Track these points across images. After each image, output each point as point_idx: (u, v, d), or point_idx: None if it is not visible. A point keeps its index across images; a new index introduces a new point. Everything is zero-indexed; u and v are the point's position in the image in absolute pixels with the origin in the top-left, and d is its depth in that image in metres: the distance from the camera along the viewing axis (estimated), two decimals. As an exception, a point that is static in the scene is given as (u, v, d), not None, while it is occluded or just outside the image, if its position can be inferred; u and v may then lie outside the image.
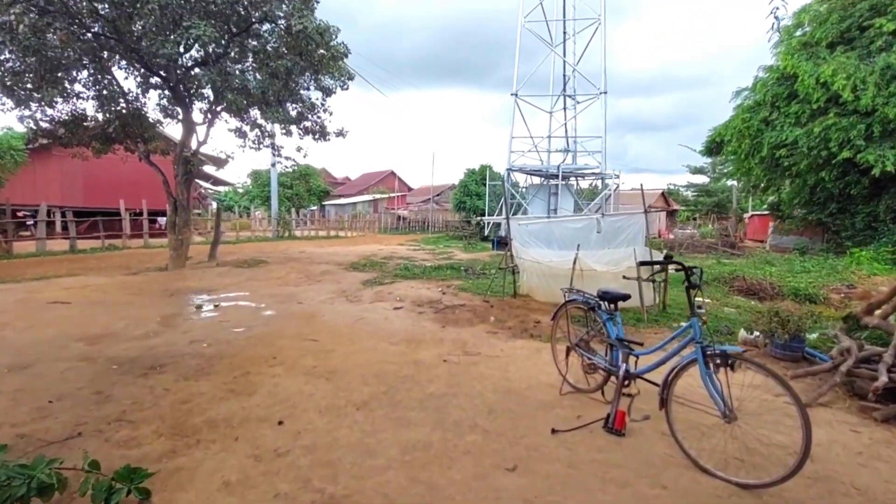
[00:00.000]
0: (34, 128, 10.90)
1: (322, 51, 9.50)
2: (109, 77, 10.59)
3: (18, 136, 14.50)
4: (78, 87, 11.13)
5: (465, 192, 27.57)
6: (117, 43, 8.93)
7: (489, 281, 9.87)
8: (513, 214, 19.08)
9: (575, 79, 19.22)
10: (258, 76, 9.59)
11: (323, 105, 13.13)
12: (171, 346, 5.11)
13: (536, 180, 20.27)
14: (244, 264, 11.84)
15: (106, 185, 19.41)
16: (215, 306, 7.20)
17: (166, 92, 11.09)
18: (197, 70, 8.63)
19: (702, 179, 47.40)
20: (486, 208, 20.24)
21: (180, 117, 11.06)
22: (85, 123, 11.70)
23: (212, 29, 7.81)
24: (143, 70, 10.19)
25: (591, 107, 19.74)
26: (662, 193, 42.69)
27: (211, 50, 8.42)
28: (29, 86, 10.12)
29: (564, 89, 19.57)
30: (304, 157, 14.27)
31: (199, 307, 7.06)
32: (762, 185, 20.16)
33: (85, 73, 10.90)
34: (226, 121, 13.12)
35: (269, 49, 9.81)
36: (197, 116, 11.52)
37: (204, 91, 10.81)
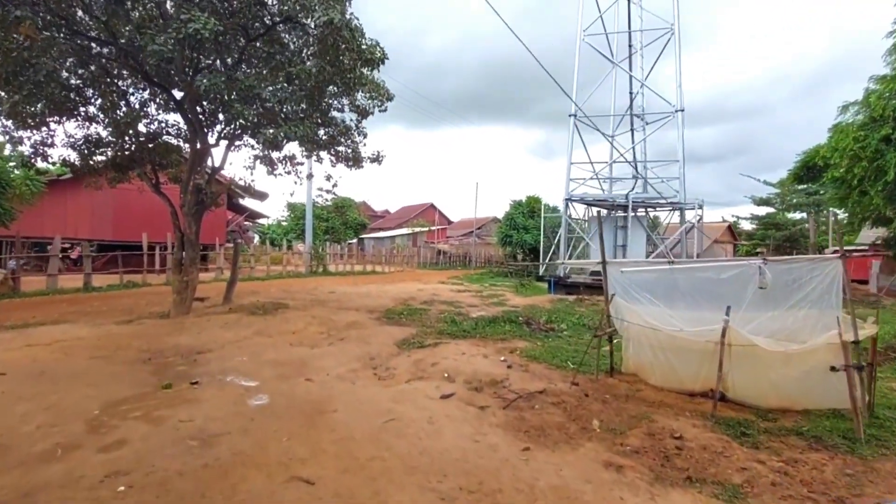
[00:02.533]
0: (35, 153, 9.63)
1: (353, 55, 7.67)
2: (115, 90, 9.23)
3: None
4: (92, 110, 9.99)
5: (512, 226, 25.27)
6: (111, 46, 7.48)
7: (564, 343, 7.38)
8: (571, 251, 16.52)
9: (643, 96, 16.86)
10: (272, 86, 7.83)
11: (358, 127, 11.42)
12: (66, 485, 2.98)
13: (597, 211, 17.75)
14: (259, 310, 9.91)
15: (134, 218, 18.56)
16: (191, 384, 5.11)
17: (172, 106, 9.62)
18: (199, 77, 6.97)
19: (765, 211, 42.92)
20: (541, 244, 17.84)
21: (187, 136, 9.53)
22: (100, 150, 10.51)
23: (214, 21, 6.11)
24: (144, 82, 8.77)
25: (656, 131, 17.24)
26: (729, 227, 38.72)
27: (212, 47, 6.73)
28: (34, 109, 8.93)
29: (631, 108, 17.19)
30: (334, 185, 12.56)
31: (166, 387, 4.99)
32: (875, 216, 16.69)
33: (97, 96, 9.69)
34: (251, 146, 11.70)
35: (290, 52, 8.10)
36: (212, 139, 9.97)
37: (208, 105, 9.27)
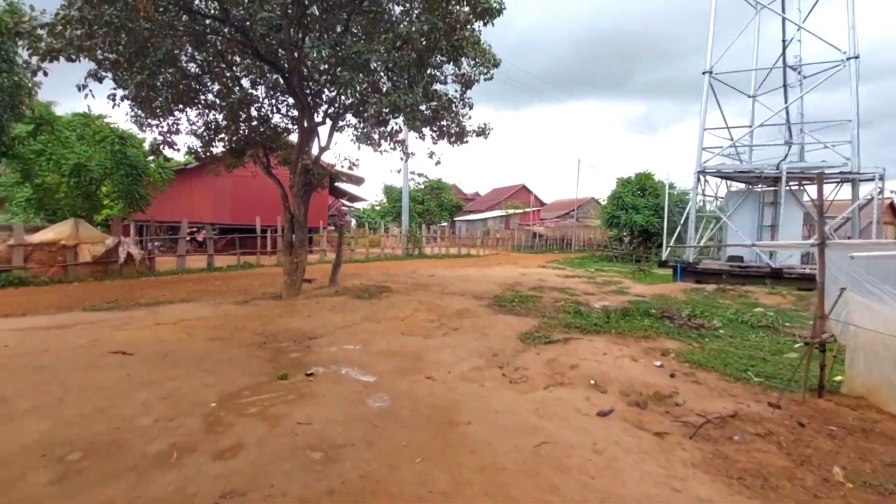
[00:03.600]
0: (164, 141, 10.14)
1: (466, 3, 6.71)
2: (229, 75, 9.31)
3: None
4: (210, 97, 10.29)
5: (619, 205, 22.94)
6: (224, 24, 7.32)
7: (728, 346, 5.91)
8: (703, 233, 14.23)
9: (801, 44, 13.70)
10: (379, 51, 7.13)
11: (462, 98, 10.53)
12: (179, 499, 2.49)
13: (736, 186, 15.04)
14: (364, 293, 9.59)
15: (249, 202, 19.71)
16: (306, 375, 4.65)
17: (283, 85, 9.47)
18: (307, 45, 6.49)
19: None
20: (665, 225, 15.69)
21: (295, 115, 9.34)
22: (218, 136, 10.88)
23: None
24: (255, 63, 8.64)
25: (819, 85, 13.85)
26: (891, 204, 31.91)
27: (318, 16, 6.19)
28: (160, 100, 9.32)
29: (784, 59, 14.08)
30: (437, 164, 11.85)
31: (282, 377, 4.56)
32: None
33: (213, 81, 9.92)
34: (354, 126, 11.39)
35: (396, 15, 7.35)
36: (318, 118, 9.73)
37: (313, 85, 8.95)
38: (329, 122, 10.24)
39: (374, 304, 8.66)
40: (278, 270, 15.06)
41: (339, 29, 8.23)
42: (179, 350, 5.47)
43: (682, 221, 14.38)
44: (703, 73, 13.51)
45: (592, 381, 4.54)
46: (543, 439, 3.35)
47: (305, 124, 8.99)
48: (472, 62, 10.17)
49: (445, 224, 39.21)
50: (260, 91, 10.75)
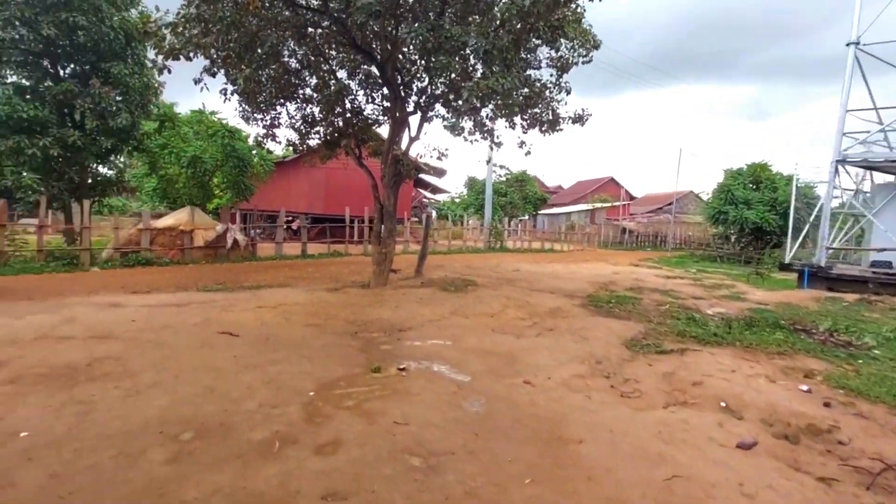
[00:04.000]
0: (266, 134, 10.75)
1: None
2: (325, 69, 9.56)
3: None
4: (308, 92, 10.71)
5: (728, 200, 20.56)
6: (323, 15, 7.44)
7: (891, 370, 4.83)
8: (837, 234, 12.17)
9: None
10: (476, 34, 6.76)
11: (558, 83, 9.89)
12: (282, 501, 2.40)
13: (883, 178, 12.63)
14: (450, 286, 9.43)
15: (339, 193, 20.59)
16: (399, 370, 4.51)
17: (376, 76, 9.54)
18: (402, 28, 6.32)
19: None
20: (790, 222, 13.63)
21: (386, 106, 9.33)
22: (314, 129, 11.33)
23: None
24: (350, 54, 8.74)
25: None
26: None
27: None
28: (264, 95, 9.86)
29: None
30: (527, 154, 11.27)
31: (375, 370, 4.46)
32: None
33: (311, 75, 10.30)
34: (443, 116, 11.22)
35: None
36: (409, 108, 9.67)
37: (405, 77, 8.84)
38: (419, 113, 10.17)
39: (460, 297, 8.44)
40: (365, 259, 15.53)
41: (431, 17, 8.06)
42: (279, 334, 5.64)
43: (810, 219, 12.38)
44: (848, 45, 11.41)
45: (723, 404, 3.88)
46: (674, 472, 2.84)
47: (397, 115, 8.96)
48: (570, 44, 9.51)
49: (526, 217, 38.24)
50: (354, 84, 11.01)
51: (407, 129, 9.75)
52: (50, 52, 11.32)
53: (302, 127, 11.12)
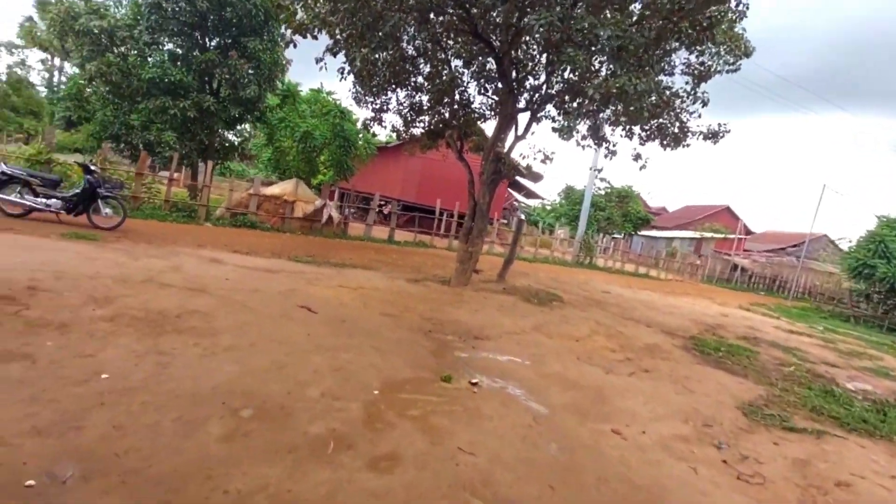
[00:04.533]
0: (374, 118, 10.92)
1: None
2: (440, 58, 9.39)
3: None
4: (420, 80, 10.69)
5: (879, 253, 17.24)
6: (448, 2, 7.19)
7: None
8: None
9: None
10: (613, 26, 6.03)
11: (694, 93, 8.78)
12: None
13: None
14: (534, 297, 8.83)
15: (432, 184, 20.68)
16: (471, 384, 4.10)
17: (491, 69, 9.16)
18: (529, 16, 5.81)
19: None
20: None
21: (495, 101, 8.91)
22: (419, 118, 11.32)
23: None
24: (470, 46, 8.43)
25: None
26: None
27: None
28: (378, 78, 9.99)
29: None
30: (642, 168, 10.23)
31: (445, 379, 4.09)
32: None
33: (426, 63, 10.24)
34: (553, 118, 10.58)
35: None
36: (518, 106, 9.18)
37: (527, 62, 8.30)
38: (528, 112, 9.64)
39: (544, 312, 7.82)
40: (448, 254, 15.37)
41: (558, 10, 7.47)
42: (355, 318, 5.51)
43: None
44: None
45: (887, 526, 2.93)
46: None
47: (507, 111, 8.52)
48: (716, 48, 8.36)
49: (620, 236, 35.75)
50: (466, 75, 10.77)
51: (514, 127, 9.27)
52: (201, 24, 12.53)
53: (408, 114, 11.16)
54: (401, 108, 11.17)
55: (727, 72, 8.49)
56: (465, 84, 10.47)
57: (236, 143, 15.32)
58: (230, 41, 12.94)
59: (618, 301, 10.98)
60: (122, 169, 12.49)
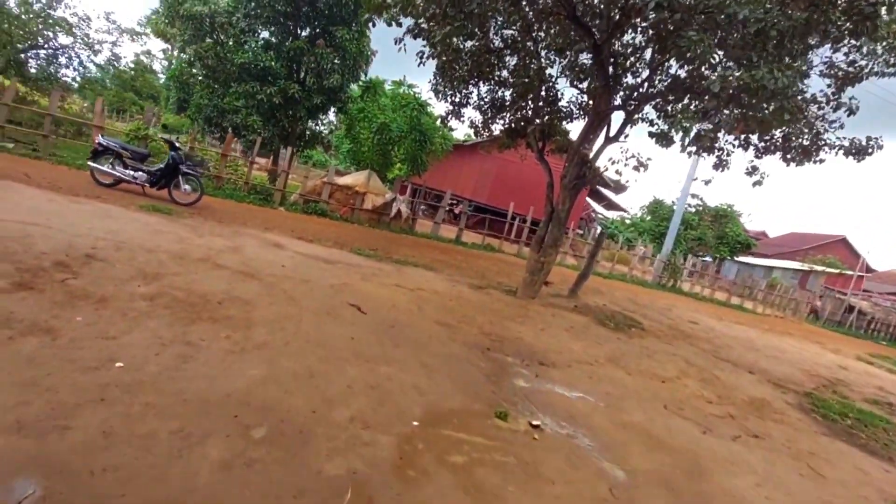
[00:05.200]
0: (453, 111, 10.41)
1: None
2: (529, 51, 8.64)
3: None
4: (504, 74, 10.02)
5: None
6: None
7: None
8: None
9: None
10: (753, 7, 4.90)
11: (838, 98, 7.25)
12: None
13: None
14: (609, 320, 7.78)
15: (506, 187, 19.86)
16: (532, 426, 3.35)
17: (584, 63, 8.22)
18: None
19: None
20: None
21: (583, 101, 7.94)
22: (501, 114, 10.65)
23: None
24: (566, 31, 7.57)
25: None
26: None
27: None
28: (459, 71, 9.49)
29: None
30: (758, 183, 8.73)
31: (500, 416, 3.37)
32: None
33: (512, 55, 9.55)
34: (650, 122, 9.40)
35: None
36: (614, 104, 8.15)
37: (630, 55, 7.27)
38: (624, 113, 8.56)
39: (622, 341, 6.79)
40: (517, 261, 14.51)
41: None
42: (406, 324, 4.95)
43: None
44: None
45: None
46: None
47: (601, 108, 7.56)
48: (873, 45, 6.80)
49: (709, 260, 32.34)
50: (554, 70, 9.91)
51: (605, 128, 8.27)
52: (295, 14, 12.78)
53: (489, 110, 10.53)
54: (482, 103, 10.58)
55: (888, 73, 6.87)
56: (552, 79, 9.62)
57: (318, 132, 15.60)
58: (319, 30, 13.09)
59: (709, 336, 9.51)
60: (211, 150, 13.10)
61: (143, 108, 35.19)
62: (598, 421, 3.81)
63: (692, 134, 7.35)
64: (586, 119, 8.92)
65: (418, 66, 8.40)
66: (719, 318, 13.75)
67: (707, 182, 7.63)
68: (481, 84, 10.28)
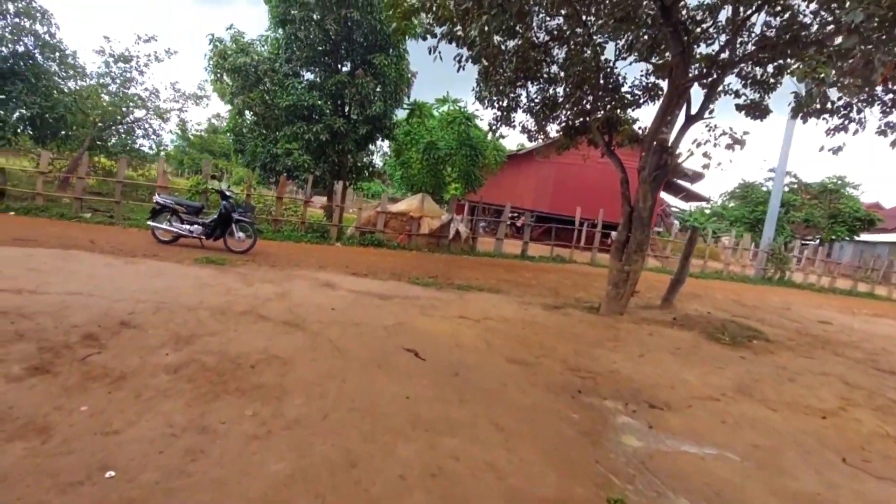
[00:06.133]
0: (502, 117, 9.64)
1: None
2: (580, 38, 7.70)
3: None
4: (553, 70, 9.11)
5: None
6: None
7: None
8: None
9: None
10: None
11: None
12: None
13: None
14: (721, 333, 6.39)
15: (569, 192, 18.53)
16: (662, 518, 2.32)
17: (647, 38, 7.08)
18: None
19: None
20: None
21: (649, 83, 6.77)
22: (555, 114, 9.70)
23: None
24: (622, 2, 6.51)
25: None
26: None
27: None
28: (504, 73, 8.75)
29: None
30: None
31: (615, 505, 2.39)
32: None
33: (561, 46, 8.65)
34: (734, 92, 7.99)
35: None
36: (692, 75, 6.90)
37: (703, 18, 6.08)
38: (703, 87, 7.26)
39: (747, 360, 5.43)
40: (591, 270, 13.17)
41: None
42: (473, 368, 4.10)
43: None
44: None
45: None
46: None
47: (678, 80, 6.37)
48: None
49: (815, 242, 28.10)
50: (610, 53, 8.84)
51: (685, 106, 7.01)
52: (335, 51, 12.80)
53: (541, 111, 9.61)
54: (532, 104, 9.71)
55: None
56: (611, 64, 8.52)
57: (369, 163, 15.49)
58: (359, 60, 12.99)
59: (853, 339, 7.65)
60: (268, 195, 13.31)
61: (217, 165, 38.11)
62: (755, 494, 2.68)
63: (808, 91, 5.85)
64: (659, 100, 7.73)
65: (458, 71, 7.74)
66: (852, 312, 11.42)
67: (836, 150, 6.06)
68: (529, 84, 9.45)
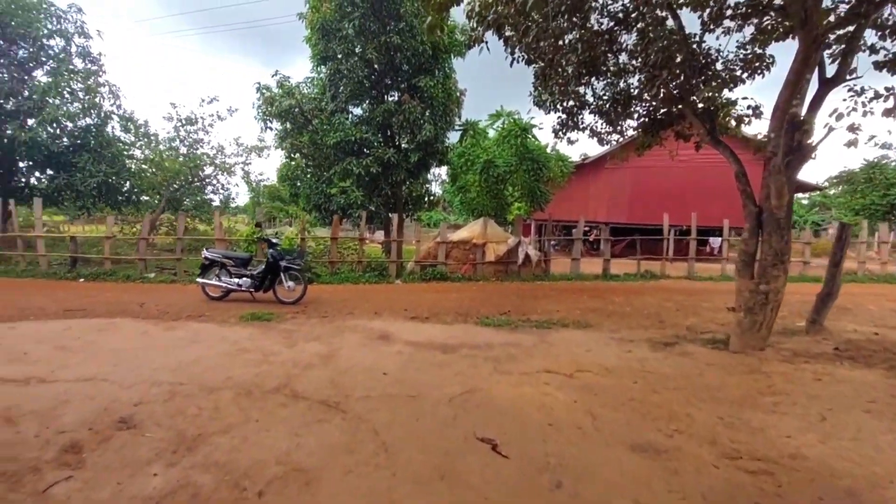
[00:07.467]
0: (567, 121, 8.38)
1: None
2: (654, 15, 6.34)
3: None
4: (622, 59, 7.76)
5: None
6: None
7: None
8: None
9: None
10: None
11: None
12: None
13: None
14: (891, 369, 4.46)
15: (650, 198, 16.46)
16: None
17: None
18: None
19: None
20: None
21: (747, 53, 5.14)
22: (629, 109, 8.30)
23: None
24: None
25: None
26: None
27: None
28: (563, 72, 7.61)
29: None
30: None
31: None
32: None
33: (631, 28, 7.32)
34: (870, 47, 6.09)
35: None
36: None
37: None
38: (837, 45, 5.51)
39: None
40: (693, 286, 11.12)
41: None
42: (578, 468, 2.76)
43: None
44: None
45: None
46: None
47: (811, 31, 4.74)
48: None
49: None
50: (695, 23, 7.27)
51: (817, 69, 5.30)
52: (379, 81, 12.30)
53: (611, 109, 8.23)
54: (600, 103, 8.36)
55: None
56: (698, 37, 6.97)
57: (425, 191, 14.72)
58: (405, 86, 12.38)
59: None
60: (324, 235, 12.86)
61: (289, 212, 39.66)
62: None
63: None
64: (760, 75, 6.10)
65: (511, 65, 6.66)
66: None
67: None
68: (594, 81, 8.13)
